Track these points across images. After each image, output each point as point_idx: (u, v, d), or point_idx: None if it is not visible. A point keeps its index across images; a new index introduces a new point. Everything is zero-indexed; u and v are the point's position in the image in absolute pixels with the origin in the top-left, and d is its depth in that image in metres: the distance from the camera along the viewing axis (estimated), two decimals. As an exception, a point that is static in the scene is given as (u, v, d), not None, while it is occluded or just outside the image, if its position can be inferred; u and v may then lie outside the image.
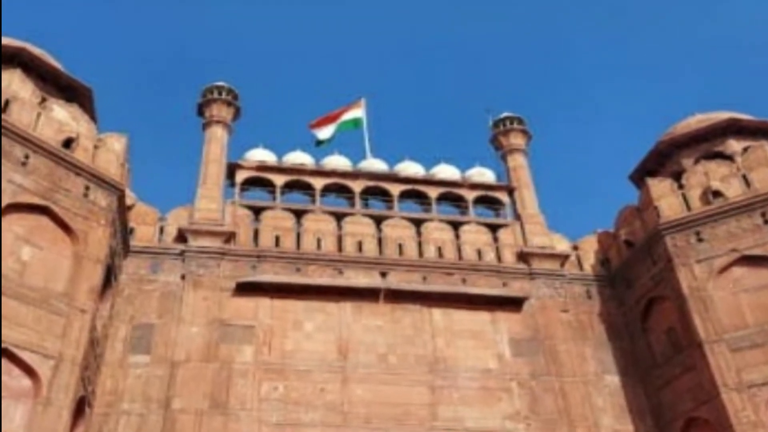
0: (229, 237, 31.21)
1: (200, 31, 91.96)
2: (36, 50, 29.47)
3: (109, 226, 26.23)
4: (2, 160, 23.50)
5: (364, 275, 31.58)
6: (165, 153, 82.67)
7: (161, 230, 31.43)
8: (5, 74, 26.04)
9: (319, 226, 32.76)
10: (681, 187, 31.39)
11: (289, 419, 27.24)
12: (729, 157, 32.39)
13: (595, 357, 31.32)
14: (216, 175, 33.28)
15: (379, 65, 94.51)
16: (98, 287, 24.94)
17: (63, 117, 26.83)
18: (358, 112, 40.12)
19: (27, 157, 24.48)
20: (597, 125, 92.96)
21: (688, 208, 30.58)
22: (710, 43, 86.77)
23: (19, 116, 24.95)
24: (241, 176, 34.00)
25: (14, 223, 23.30)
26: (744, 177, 30.25)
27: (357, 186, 34.94)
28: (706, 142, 34.01)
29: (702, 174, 31.20)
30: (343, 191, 35.10)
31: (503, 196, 36.34)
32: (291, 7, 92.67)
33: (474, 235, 34.19)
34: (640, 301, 31.70)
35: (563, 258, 33.95)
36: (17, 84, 26.08)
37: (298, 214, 33.10)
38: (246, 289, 29.77)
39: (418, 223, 34.09)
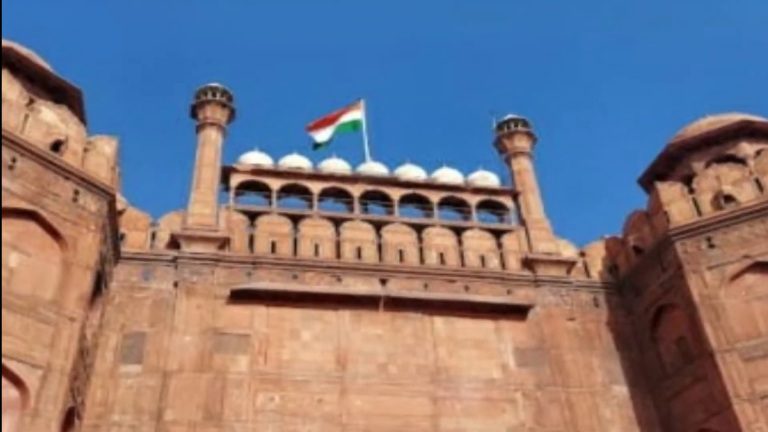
0: (224, 243, 31.28)
1: (194, 30, 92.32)
2: (23, 50, 29.54)
3: (99, 232, 26.27)
4: (-11, 164, 23.59)
5: (363, 282, 31.64)
6: (157, 156, 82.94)
7: (153, 236, 31.49)
8: (-8, 75, 26.11)
9: (316, 231, 32.84)
10: (692, 191, 31.47)
11: (285, 431, 27.28)
12: (741, 161, 32.48)
13: (603, 367, 31.38)
14: (210, 179, 33.36)
15: (379, 65, 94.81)
16: (88, 295, 24.98)
17: (51, 119, 26.91)
18: (357, 114, 40.19)
19: (14, 160, 24.53)
20: (604, 127, 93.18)
21: (699, 213, 30.66)
22: (721, 42, 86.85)
23: (6, 118, 24.98)
24: (235, 180, 34.08)
25: (1, 229, 23.30)
26: (757, 181, 30.36)
27: (356, 190, 35.02)
28: (718, 145, 34.10)
29: (713, 178, 31.27)
30: (342, 196, 35.18)
31: (507, 201, 36.42)
32: (288, 4, 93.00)
33: (477, 241, 34.25)
34: (649, 309, 31.76)
35: (569, 264, 34.01)
36: (4, 85, 26.08)
37: (295, 220, 33.18)
38: (241, 296, 29.82)
39: (419, 228, 34.17)
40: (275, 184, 34.36)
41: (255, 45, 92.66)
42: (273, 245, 32.04)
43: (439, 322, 31.06)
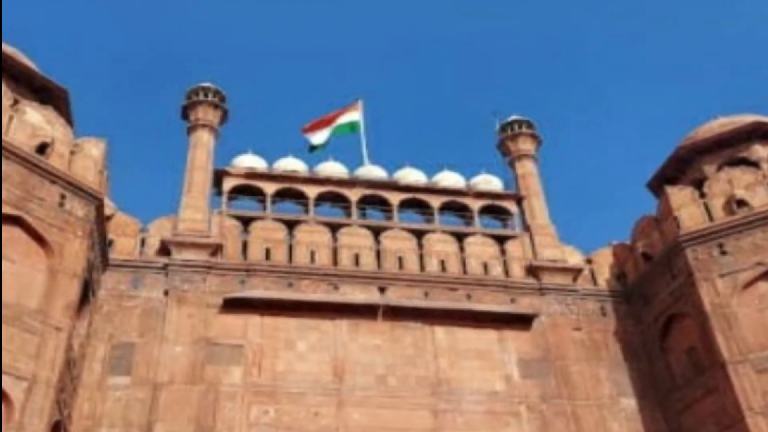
0: (216, 249, 31.34)
1: (185, 28, 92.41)
2: (8, 48, 29.57)
3: (86, 238, 26.33)
4: (-28, 167, 23.61)
5: (361, 291, 31.69)
6: (147, 159, 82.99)
7: (143, 242, 31.54)
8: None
9: (312, 237, 32.89)
10: (703, 195, 31.57)
11: (280, 446, 27.36)
12: (754, 164, 32.55)
13: (610, 379, 31.43)
14: (202, 182, 33.42)
15: (378, 64, 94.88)
16: (75, 303, 25.03)
17: (37, 120, 26.98)
18: (354, 115, 40.25)
19: (-2, 163, 24.57)
20: (612, 129, 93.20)
21: (711, 218, 30.74)
22: (733, 41, 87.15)
23: (-10, 120, 25.04)
24: (228, 184, 34.15)
25: (-15, 235, 23.35)
26: (770, 185, 30.46)
27: (353, 194, 35.08)
28: (730, 148, 34.15)
29: (725, 182, 31.36)
30: (339, 200, 35.23)
31: (511, 206, 36.49)
32: (283, 2, 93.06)
33: (480, 248, 34.33)
34: (658, 318, 31.83)
35: (576, 272, 34.09)
36: (-12, 85, 26.21)
37: (290, 225, 33.24)
38: (234, 305, 29.87)
39: (419, 234, 34.24)
40: (270, 188, 34.40)
41: (248, 43, 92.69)
42: (267, 252, 32.12)
43: (440, 331, 31.10)
